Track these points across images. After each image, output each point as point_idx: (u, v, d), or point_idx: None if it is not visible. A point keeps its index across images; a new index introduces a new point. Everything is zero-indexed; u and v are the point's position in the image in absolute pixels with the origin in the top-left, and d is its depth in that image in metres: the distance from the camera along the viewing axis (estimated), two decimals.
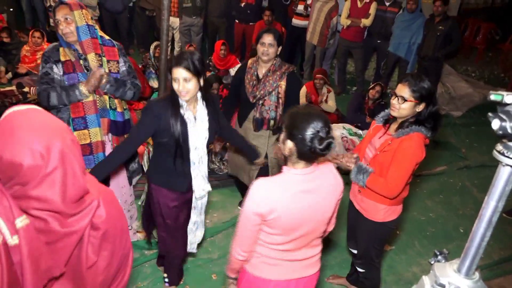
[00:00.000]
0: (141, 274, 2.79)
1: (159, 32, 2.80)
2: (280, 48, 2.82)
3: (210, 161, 4.07)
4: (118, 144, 2.38)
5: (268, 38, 2.75)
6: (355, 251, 2.53)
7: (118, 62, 2.48)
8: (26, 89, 5.14)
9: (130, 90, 2.51)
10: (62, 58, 2.33)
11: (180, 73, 1.95)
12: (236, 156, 3.23)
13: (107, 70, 2.40)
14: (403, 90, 2.02)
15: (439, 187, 4.32)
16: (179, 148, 2.08)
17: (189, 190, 2.26)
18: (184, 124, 2.07)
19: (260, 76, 2.91)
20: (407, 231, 3.54)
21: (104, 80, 2.37)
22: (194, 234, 2.45)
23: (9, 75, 5.67)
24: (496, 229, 3.38)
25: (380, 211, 2.20)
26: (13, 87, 5.22)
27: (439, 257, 1.09)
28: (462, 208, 3.97)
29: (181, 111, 2.06)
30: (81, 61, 2.35)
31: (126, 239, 1.34)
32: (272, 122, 2.94)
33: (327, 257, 3.13)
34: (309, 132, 1.48)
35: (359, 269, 2.44)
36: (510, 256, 3.35)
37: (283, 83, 2.87)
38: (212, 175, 3.99)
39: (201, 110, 2.13)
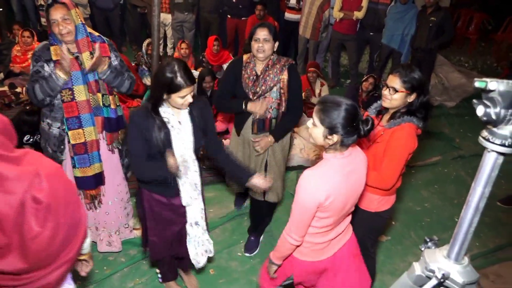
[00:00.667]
0: (139, 270, 2.80)
1: (151, 29, 2.79)
2: (277, 44, 2.57)
3: (206, 157, 4.06)
4: (134, 167, 2.17)
5: (262, 33, 2.48)
6: None
7: (109, 58, 2.48)
8: (18, 89, 5.12)
9: (127, 80, 2.54)
10: (54, 58, 2.32)
11: (190, 90, 1.94)
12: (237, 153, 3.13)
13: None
14: (394, 81, 2.04)
15: (434, 177, 4.35)
16: (163, 158, 1.99)
17: (178, 196, 2.18)
18: (167, 132, 2.01)
19: (259, 73, 2.63)
20: (403, 221, 3.57)
21: (104, 67, 2.39)
22: (196, 251, 2.34)
23: (1, 75, 5.64)
24: (491, 217, 3.43)
25: (373, 201, 2.22)
26: (5, 88, 5.20)
27: (429, 244, 1.11)
28: (457, 198, 4.00)
29: (164, 117, 2.01)
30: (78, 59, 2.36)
31: (74, 211, 1.38)
32: (274, 121, 2.64)
33: None
34: (353, 121, 1.58)
35: None
36: (505, 244, 3.38)
37: (285, 77, 2.59)
38: (207, 171, 4.01)
39: (185, 115, 2.09)
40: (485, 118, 0.86)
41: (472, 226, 0.97)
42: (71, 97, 2.36)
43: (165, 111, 2.02)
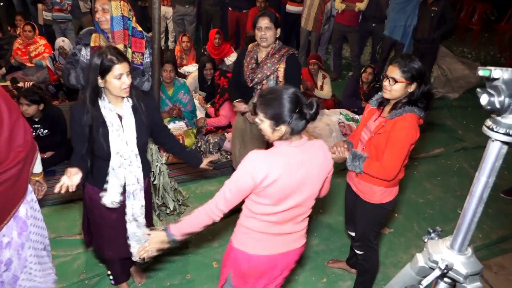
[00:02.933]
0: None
1: (152, 22, 2.77)
2: (279, 31, 2.74)
3: (208, 151, 4.06)
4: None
5: (263, 22, 2.68)
6: (353, 234, 2.55)
7: (143, 54, 2.53)
8: (20, 84, 5.12)
9: (148, 82, 2.58)
10: (92, 44, 2.45)
11: (124, 67, 1.88)
12: (240, 152, 3.17)
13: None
14: (394, 71, 2.03)
15: (437, 169, 4.34)
16: (95, 154, 1.96)
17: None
18: (104, 127, 1.94)
19: (259, 60, 2.83)
20: (406, 213, 3.56)
21: None
22: (130, 246, 2.21)
23: (3, 70, 5.63)
24: (494, 209, 3.42)
25: (376, 193, 2.21)
26: (8, 83, 5.19)
27: (433, 235, 1.10)
28: (459, 190, 3.99)
29: (103, 112, 1.93)
30: None
31: (11, 112, 1.82)
32: None
33: (327, 242, 3.15)
34: (296, 107, 1.55)
35: (358, 252, 2.46)
36: (508, 236, 3.37)
37: (281, 67, 2.76)
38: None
39: (128, 109, 2.00)
40: (489, 107, 0.84)
41: (476, 216, 0.96)
42: None
43: (105, 106, 1.94)
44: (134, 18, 2.52)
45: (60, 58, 5.04)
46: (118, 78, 1.87)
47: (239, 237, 1.80)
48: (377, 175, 2.11)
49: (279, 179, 1.59)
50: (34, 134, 3.69)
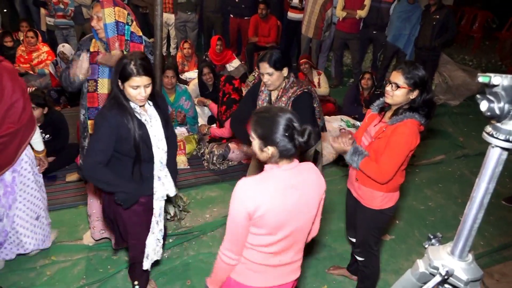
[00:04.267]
0: None
1: (154, 29, 2.79)
2: (285, 70, 2.48)
3: (211, 163, 4.06)
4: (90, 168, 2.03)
5: (263, 67, 2.43)
6: (354, 240, 2.54)
7: None
8: None
9: None
10: (92, 49, 2.48)
11: (142, 81, 1.89)
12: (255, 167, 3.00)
13: None
14: (397, 77, 2.04)
15: (438, 176, 4.33)
16: (141, 152, 1.99)
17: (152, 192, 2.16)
18: (143, 127, 2.00)
19: (273, 99, 2.64)
20: (407, 220, 3.55)
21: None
22: (160, 241, 2.28)
23: None
24: (495, 216, 3.42)
25: (377, 199, 2.21)
26: None
27: (433, 241, 1.10)
28: (461, 197, 3.98)
29: (136, 112, 1.99)
30: None
31: (12, 93, 2.23)
32: None
33: (327, 249, 3.14)
34: (286, 131, 1.50)
35: (358, 258, 2.46)
36: (510, 243, 3.36)
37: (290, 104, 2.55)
38: (209, 170, 4.02)
39: (151, 109, 2.07)
40: (488, 113, 0.85)
41: (476, 222, 0.96)
42: (94, 88, 2.47)
43: (134, 106, 1.99)
44: (134, 22, 2.50)
45: (61, 63, 5.07)
46: (134, 89, 1.90)
47: (236, 267, 1.69)
48: (372, 176, 2.12)
49: (272, 208, 1.52)
50: None
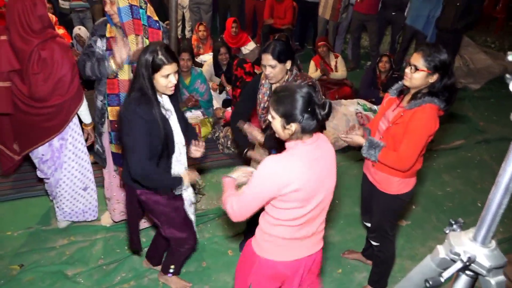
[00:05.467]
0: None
1: (168, 11, 2.76)
2: (288, 63, 2.30)
3: (226, 147, 4.06)
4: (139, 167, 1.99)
5: (266, 59, 2.25)
6: (369, 225, 2.52)
7: None
8: None
9: None
10: (108, 34, 2.43)
11: (173, 68, 1.91)
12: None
13: None
14: (417, 59, 1.97)
15: (457, 161, 4.25)
16: (166, 148, 2.00)
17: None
18: (166, 121, 2.00)
19: None
20: (424, 205, 3.51)
21: (124, 56, 2.36)
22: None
23: None
24: None
25: (393, 184, 2.18)
26: None
27: (454, 226, 1.07)
28: (480, 182, 3.90)
29: (162, 109, 1.99)
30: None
31: (61, 67, 2.39)
32: None
33: (342, 233, 3.13)
34: (308, 106, 1.52)
35: (374, 243, 2.44)
36: None
37: None
38: (224, 154, 4.02)
39: (168, 104, 2.07)
40: None
41: (501, 207, 0.92)
42: (115, 74, 2.44)
43: (159, 100, 1.99)
44: (148, 5, 2.46)
45: (77, 46, 5.08)
46: (166, 77, 1.91)
47: (263, 246, 1.75)
48: (392, 165, 2.08)
49: (304, 182, 1.57)
50: None
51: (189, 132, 2.26)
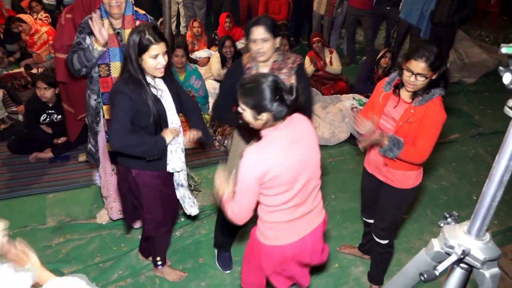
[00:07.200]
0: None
1: (162, 7, 2.75)
2: (278, 40, 2.15)
3: (223, 145, 4.05)
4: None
5: (258, 32, 2.07)
6: (370, 221, 2.51)
7: None
8: (34, 71, 5.16)
9: None
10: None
11: (161, 47, 1.90)
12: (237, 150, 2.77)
13: None
14: (421, 67, 1.92)
15: (452, 155, 4.26)
16: (159, 127, 2.01)
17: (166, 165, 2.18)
18: (159, 101, 2.01)
19: None
20: (419, 199, 3.52)
21: None
22: (186, 206, 2.40)
23: (17, 55, 5.68)
24: (510, 195, 3.35)
25: (410, 178, 2.18)
26: (22, 69, 5.24)
27: (449, 220, 1.07)
28: (475, 176, 3.92)
29: (152, 89, 1.98)
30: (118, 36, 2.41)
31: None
32: None
33: (339, 228, 3.14)
34: (276, 94, 1.55)
35: (382, 241, 2.39)
36: None
37: (293, 82, 2.20)
38: (215, 151, 4.01)
39: (161, 84, 2.06)
40: (511, 86, 0.81)
41: (495, 200, 0.93)
42: (107, 72, 2.43)
43: (149, 81, 1.98)
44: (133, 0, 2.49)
45: None
46: (154, 58, 1.89)
47: (266, 233, 1.79)
48: (412, 160, 2.07)
49: (283, 167, 1.60)
50: (48, 120, 3.72)
51: (190, 111, 2.28)
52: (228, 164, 2.52)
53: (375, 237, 2.43)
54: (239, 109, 1.65)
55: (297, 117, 1.73)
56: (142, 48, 1.86)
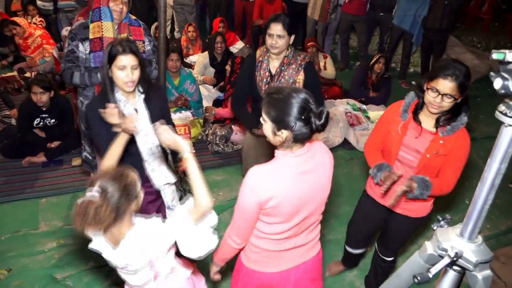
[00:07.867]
0: None
1: (158, 11, 2.75)
2: (292, 37, 2.43)
3: (214, 143, 4.05)
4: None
5: (276, 28, 2.34)
6: (359, 251, 2.52)
7: (143, 42, 2.54)
8: (27, 74, 5.13)
9: (156, 70, 2.57)
10: (91, 36, 2.38)
11: (128, 60, 1.83)
12: (251, 150, 2.93)
13: None
14: (449, 87, 1.71)
15: None
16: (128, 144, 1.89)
17: (148, 181, 2.12)
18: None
19: (273, 71, 2.50)
20: None
21: None
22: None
23: (10, 58, 5.65)
24: (502, 199, 3.38)
25: (427, 206, 2.13)
26: (15, 73, 5.21)
27: (442, 223, 1.09)
28: (468, 180, 3.94)
29: (121, 106, 1.89)
30: None
31: None
32: None
33: (334, 232, 3.15)
34: (302, 113, 1.38)
35: (388, 258, 2.37)
36: None
37: (300, 78, 2.46)
38: (216, 154, 4.01)
39: (141, 102, 1.99)
40: (502, 91, 0.82)
41: (486, 203, 0.94)
42: None
43: (120, 99, 1.93)
44: None
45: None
46: (121, 70, 1.83)
47: (250, 256, 1.66)
48: (440, 194, 1.95)
49: (286, 197, 1.45)
50: (41, 124, 3.70)
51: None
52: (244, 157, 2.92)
53: (380, 255, 2.38)
54: (261, 119, 1.49)
55: (318, 146, 1.56)
56: (111, 58, 1.83)
